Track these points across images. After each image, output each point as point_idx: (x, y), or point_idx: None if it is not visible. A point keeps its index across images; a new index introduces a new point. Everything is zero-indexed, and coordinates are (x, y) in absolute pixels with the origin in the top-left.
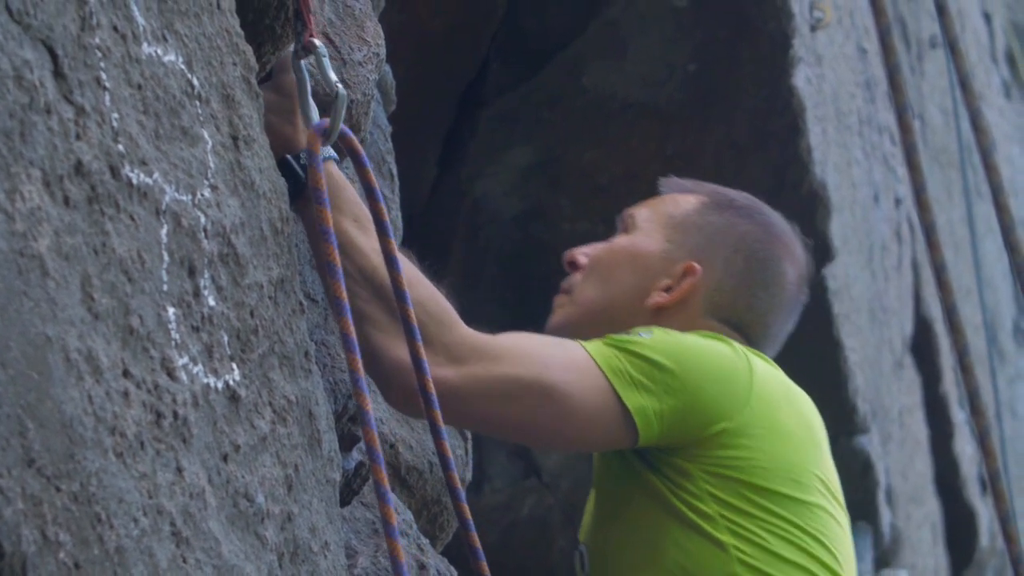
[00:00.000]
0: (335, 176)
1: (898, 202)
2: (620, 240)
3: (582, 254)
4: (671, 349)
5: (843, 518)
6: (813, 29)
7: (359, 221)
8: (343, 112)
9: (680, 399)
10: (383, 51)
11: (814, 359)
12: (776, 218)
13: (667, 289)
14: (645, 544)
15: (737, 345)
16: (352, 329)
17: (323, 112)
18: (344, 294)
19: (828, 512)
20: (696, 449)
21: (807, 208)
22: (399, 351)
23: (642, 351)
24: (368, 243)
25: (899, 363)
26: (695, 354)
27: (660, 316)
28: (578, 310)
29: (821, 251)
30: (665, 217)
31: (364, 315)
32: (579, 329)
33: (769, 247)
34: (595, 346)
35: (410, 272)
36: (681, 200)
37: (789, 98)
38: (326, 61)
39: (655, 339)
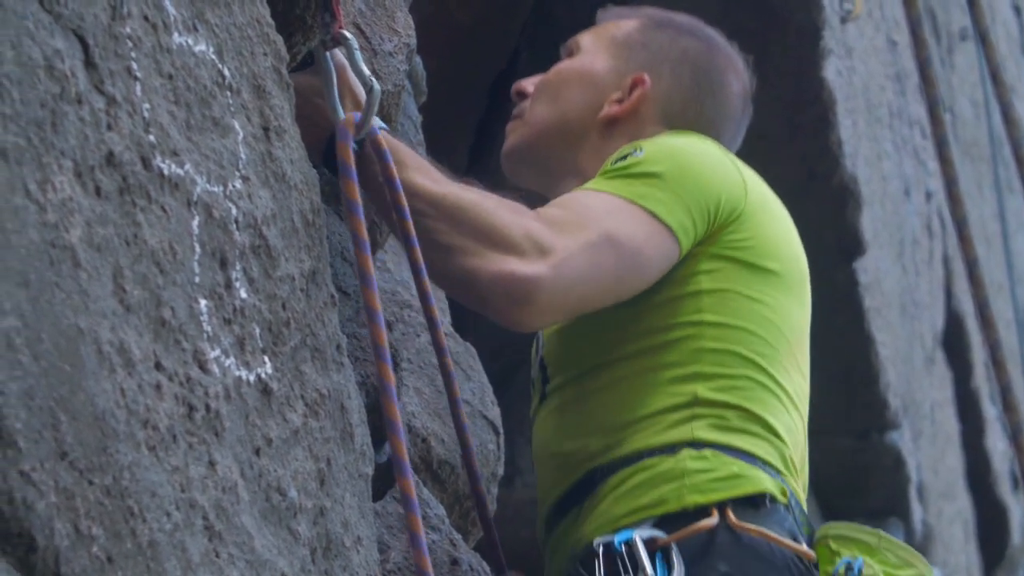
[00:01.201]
0: (390, 141)
1: (929, 196)
2: (565, 63)
3: (529, 83)
4: (669, 155)
5: (806, 301)
6: (843, 21)
7: (421, 169)
8: (376, 106)
9: (700, 197)
10: (414, 41)
11: (845, 354)
12: (716, 34)
13: (618, 102)
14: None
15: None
16: (371, 265)
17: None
18: (371, 268)
19: (798, 303)
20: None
21: (838, 201)
22: (493, 265)
23: (650, 169)
24: (434, 183)
25: (930, 358)
26: (691, 151)
27: (613, 127)
28: (531, 130)
29: (852, 245)
30: (608, 39)
31: (448, 247)
32: (533, 149)
33: (712, 59)
34: (610, 184)
35: (471, 191)
36: (622, 23)
37: (819, 90)
38: (358, 53)
39: (649, 152)
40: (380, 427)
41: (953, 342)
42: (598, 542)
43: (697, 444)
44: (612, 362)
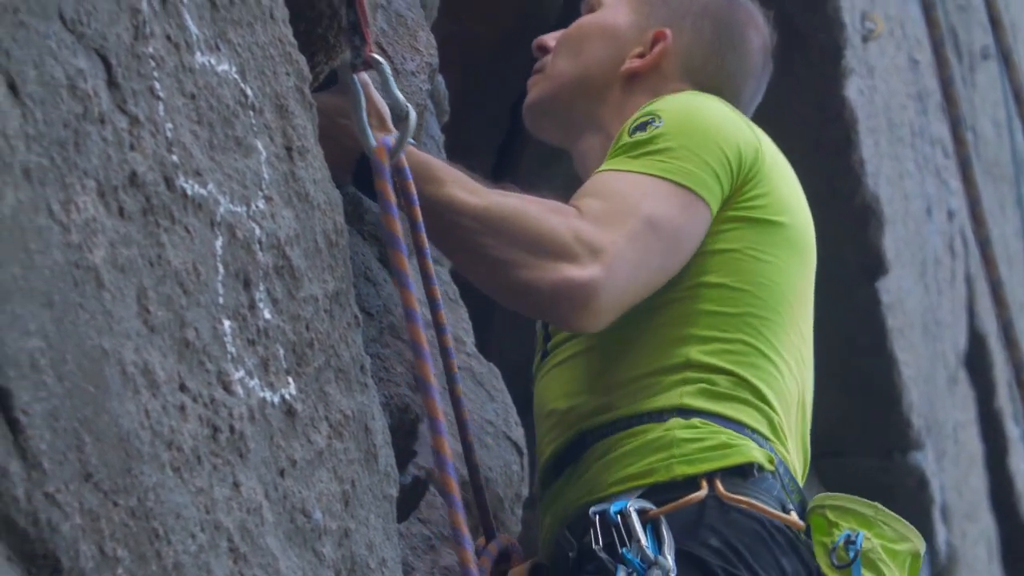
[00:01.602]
0: (418, 156)
1: (951, 215)
2: (587, 18)
3: (550, 38)
4: (688, 121)
5: (811, 264)
6: (865, 40)
7: (458, 182)
8: (411, 132)
9: (723, 159)
10: (436, 61)
11: (868, 374)
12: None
13: (640, 56)
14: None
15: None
16: (423, 337)
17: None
18: (415, 304)
19: (804, 264)
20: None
21: (860, 221)
22: (550, 275)
23: (672, 139)
24: (474, 195)
25: (953, 378)
26: (708, 115)
27: (634, 82)
28: (552, 83)
29: (874, 265)
30: None
31: (501, 261)
32: (555, 103)
33: (733, 13)
34: (637, 163)
35: (512, 198)
36: None
37: (841, 109)
38: (391, 78)
39: (668, 121)
40: (403, 449)
41: (976, 362)
42: (593, 511)
43: (686, 412)
44: (614, 326)
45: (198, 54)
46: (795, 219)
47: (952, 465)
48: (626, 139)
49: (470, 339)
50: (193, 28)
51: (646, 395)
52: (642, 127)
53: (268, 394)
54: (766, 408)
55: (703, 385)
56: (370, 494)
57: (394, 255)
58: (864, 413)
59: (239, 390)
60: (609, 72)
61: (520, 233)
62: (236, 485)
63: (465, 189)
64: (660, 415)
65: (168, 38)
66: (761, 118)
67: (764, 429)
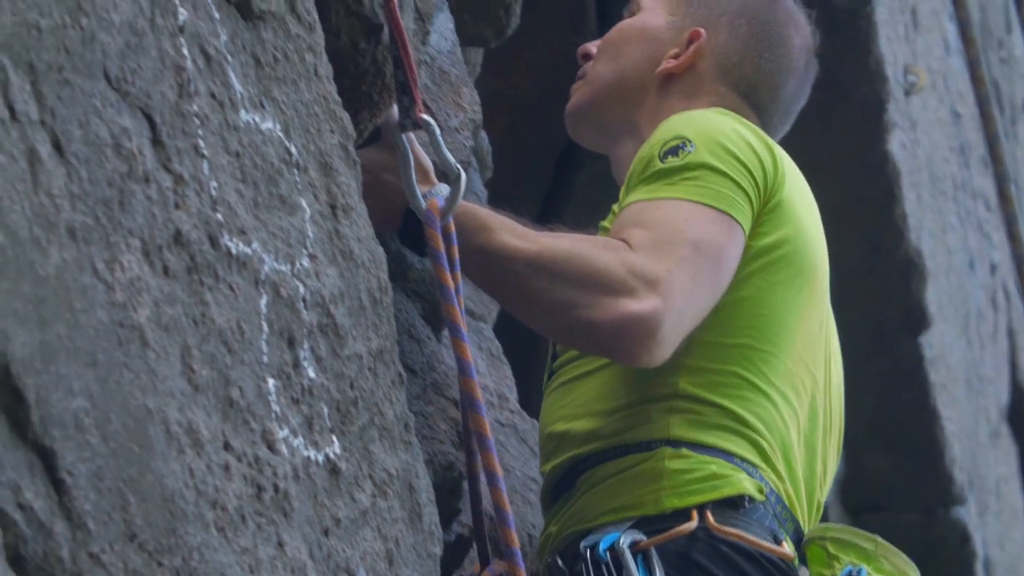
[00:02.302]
0: (465, 206)
1: (993, 268)
2: (625, 21)
3: (593, 45)
4: (719, 146)
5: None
6: (907, 94)
7: (506, 228)
8: (462, 193)
9: (752, 184)
10: (479, 117)
11: (911, 429)
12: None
13: (675, 57)
14: None
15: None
16: (469, 353)
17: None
18: (470, 356)
19: (814, 295)
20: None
21: (902, 275)
22: (610, 311)
23: (706, 162)
24: (524, 240)
25: (995, 432)
26: (736, 138)
27: (670, 84)
28: (591, 88)
29: (917, 319)
30: None
31: (558, 303)
32: (594, 107)
33: (771, 12)
34: (675, 189)
35: (562, 239)
36: None
37: (883, 164)
38: (440, 139)
39: (700, 148)
40: (449, 505)
41: (1018, 416)
42: (584, 544)
43: (674, 442)
44: None
45: (242, 112)
46: (808, 255)
47: (995, 519)
48: (658, 164)
49: (513, 396)
50: (237, 86)
51: (636, 423)
52: (674, 152)
53: (312, 453)
54: (755, 436)
55: (691, 416)
56: (414, 553)
57: (447, 307)
58: (907, 468)
59: (283, 449)
60: (645, 74)
61: (575, 273)
62: (280, 544)
63: (515, 235)
64: (649, 445)
65: (213, 96)
66: (803, 171)
67: (754, 457)
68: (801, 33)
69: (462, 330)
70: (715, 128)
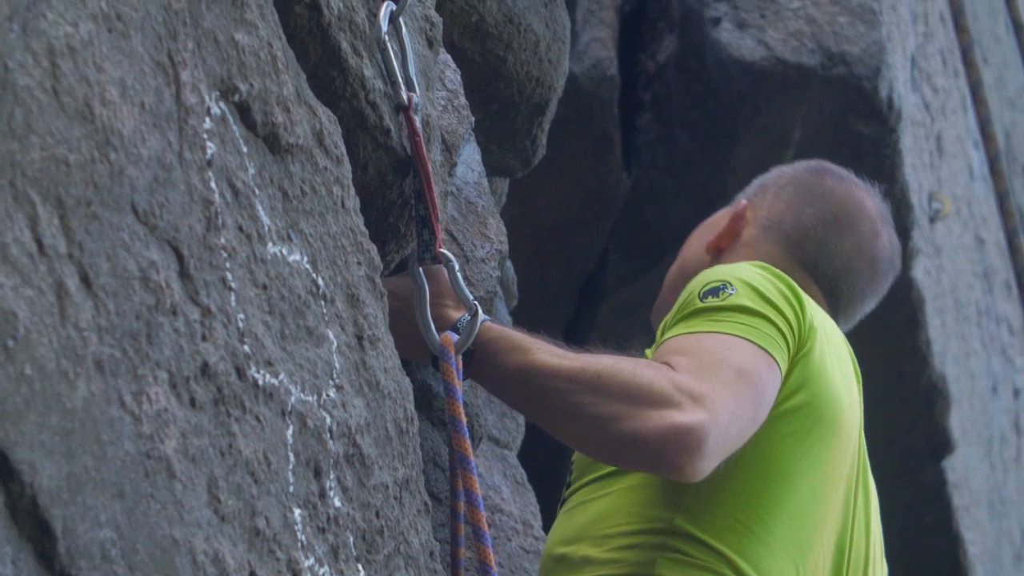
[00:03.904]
0: (497, 329)
1: (1016, 393)
2: None
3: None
4: (759, 293)
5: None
6: (932, 220)
7: (543, 348)
8: (477, 329)
9: (790, 334)
10: (506, 248)
11: (934, 552)
12: (845, 173)
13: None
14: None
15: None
16: (484, 522)
17: None
18: (478, 488)
19: (835, 449)
20: None
21: (926, 400)
22: (656, 423)
23: (746, 310)
24: (563, 358)
25: (1018, 555)
26: (772, 289)
27: (720, 255)
28: (664, 284)
29: (941, 444)
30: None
31: (602, 416)
32: (664, 297)
33: (821, 177)
34: (716, 324)
35: (603, 357)
36: None
37: (908, 291)
38: (459, 274)
39: (741, 291)
40: None
41: None
42: None
43: None
44: (618, 472)
45: (270, 244)
46: (820, 391)
47: None
48: (698, 304)
49: (537, 522)
50: (265, 219)
51: (627, 556)
52: (714, 292)
53: None
54: None
55: (680, 556)
56: None
57: (458, 439)
58: None
59: None
60: (700, 253)
61: (618, 388)
62: None
63: (553, 354)
64: None
65: (240, 229)
66: None
67: None
68: (845, 183)
69: (471, 462)
70: (750, 276)
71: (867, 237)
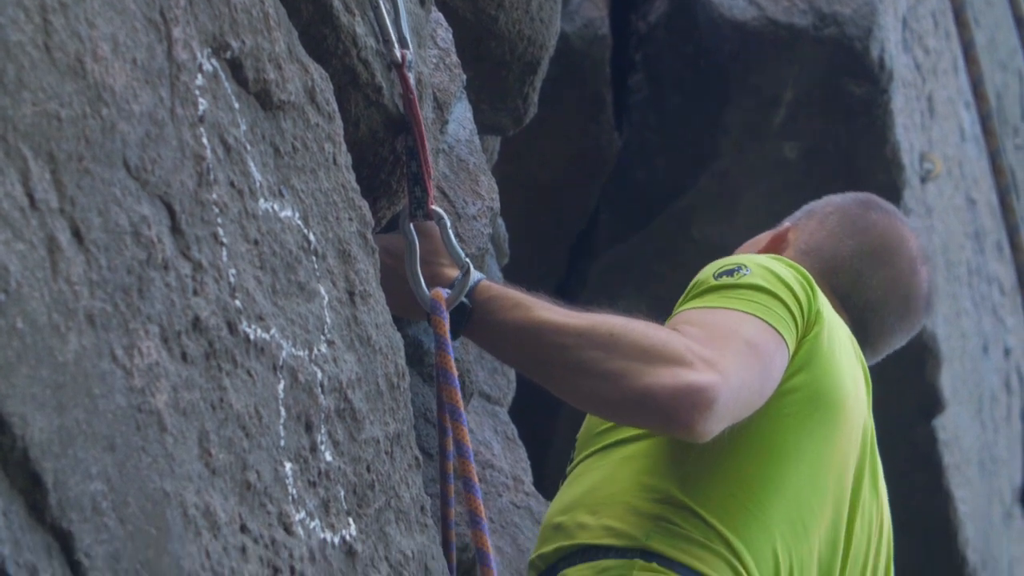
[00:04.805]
0: (497, 288)
1: (1007, 352)
2: None
3: None
4: (773, 276)
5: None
6: (923, 180)
7: (546, 307)
8: (468, 285)
9: (800, 318)
10: (497, 205)
11: (924, 511)
12: (892, 208)
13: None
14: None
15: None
16: (475, 473)
17: None
18: (468, 439)
19: (842, 439)
20: None
21: (917, 360)
22: (669, 380)
23: (760, 290)
24: (569, 316)
25: (1008, 514)
26: (787, 274)
27: None
28: None
29: (931, 403)
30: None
31: (611, 372)
32: None
33: (865, 209)
34: (728, 300)
35: (614, 316)
36: None
37: None
38: (451, 232)
39: (755, 273)
40: None
41: None
42: None
43: (648, 554)
44: (622, 442)
45: (261, 200)
46: (823, 375)
47: None
48: (712, 282)
49: (528, 478)
50: (257, 175)
51: (621, 523)
52: (729, 272)
53: (328, 535)
54: (736, 562)
55: (673, 527)
56: None
57: (449, 391)
58: (920, 550)
59: (300, 531)
60: None
61: (632, 344)
62: None
63: (557, 312)
64: (624, 552)
65: (232, 184)
66: None
67: None
68: (889, 216)
69: (461, 412)
70: (765, 261)
71: (904, 273)
